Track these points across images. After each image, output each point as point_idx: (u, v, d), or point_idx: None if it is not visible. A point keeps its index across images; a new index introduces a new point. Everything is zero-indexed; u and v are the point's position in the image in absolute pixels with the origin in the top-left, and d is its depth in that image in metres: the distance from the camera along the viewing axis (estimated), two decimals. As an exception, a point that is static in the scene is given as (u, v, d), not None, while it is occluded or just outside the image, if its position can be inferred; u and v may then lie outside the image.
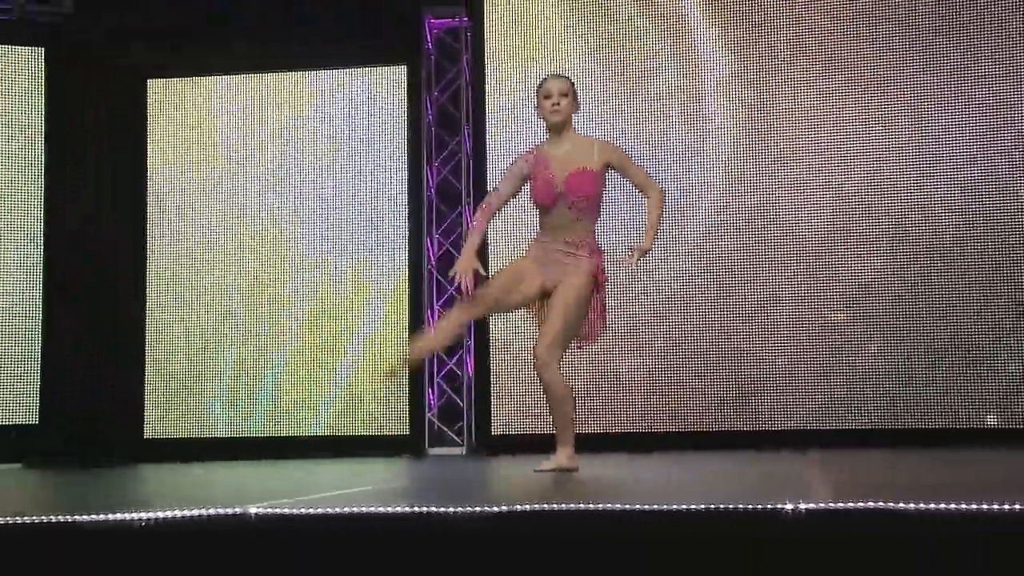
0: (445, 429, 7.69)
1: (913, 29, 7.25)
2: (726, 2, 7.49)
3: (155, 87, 8.15)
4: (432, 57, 7.95)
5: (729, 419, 7.26)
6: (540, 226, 4.88)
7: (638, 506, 2.76)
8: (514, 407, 7.53)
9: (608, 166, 4.80)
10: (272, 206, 7.99)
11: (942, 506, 2.66)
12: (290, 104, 8.03)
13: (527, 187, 4.90)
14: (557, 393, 4.71)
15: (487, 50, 7.76)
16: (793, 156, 7.37)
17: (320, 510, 2.80)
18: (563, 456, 4.76)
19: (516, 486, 4.47)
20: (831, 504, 2.74)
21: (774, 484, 4.07)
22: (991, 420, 6.91)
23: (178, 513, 2.78)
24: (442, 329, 5.05)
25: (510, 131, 7.70)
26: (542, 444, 7.23)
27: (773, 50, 7.41)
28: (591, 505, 2.81)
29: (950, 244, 7.10)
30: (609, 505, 2.78)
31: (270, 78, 8.05)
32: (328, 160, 7.97)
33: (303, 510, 2.80)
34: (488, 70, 7.75)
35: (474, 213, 5.07)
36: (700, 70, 7.51)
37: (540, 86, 4.83)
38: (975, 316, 7.03)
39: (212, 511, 2.82)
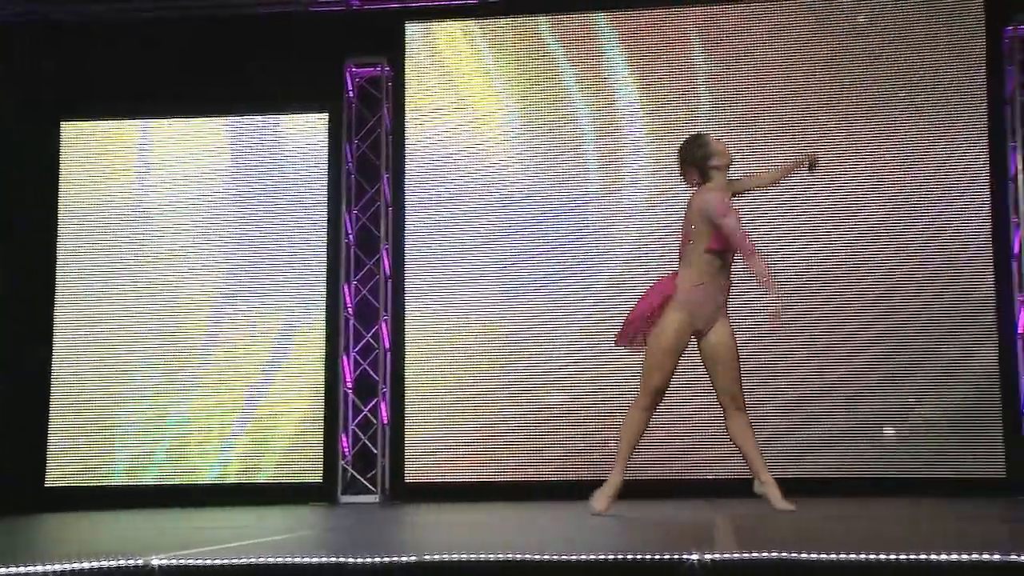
0: (359, 476, 7.63)
1: (837, 89, 7.48)
2: (648, 60, 7.64)
3: (69, 129, 8.04)
4: (353, 105, 7.98)
5: (646, 467, 7.32)
6: (705, 266, 4.97)
7: (547, 556, 2.78)
8: (428, 454, 7.52)
9: None
10: (187, 252, 7.90)
11: (840, 556, 2.73)
12: (209, 149, 7.98)
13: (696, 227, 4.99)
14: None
15: (407, 99, 7.81)
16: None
17: (223, 560, 2.77)
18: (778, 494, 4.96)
19: (427, 535, 4.45)
20: (735, 555, 2.79)
21: (681, 534, 4.11)
22: (888, 431, 7.11)
23: (79, 565, 2.73)
24: (634, 432, 5.05)
25: (428, 179, 7.75)
26: (455, 492, 7.26)
27: (691, 107, 7.57)
28: (498, 556, 2.82)
29: (853, 297, 7.29)
30: (518, 556, 2.79)
31: (191, 122, 8.00)
32: (246, 206, 7.92)
33: (206, 561, 2.76)
34: (408, 119, 7.81)
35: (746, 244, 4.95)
36: (621, 125, 7.64)
37: (708, 144, 5.07)
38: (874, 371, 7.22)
39: (114, 563, 2.77)
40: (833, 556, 2.70)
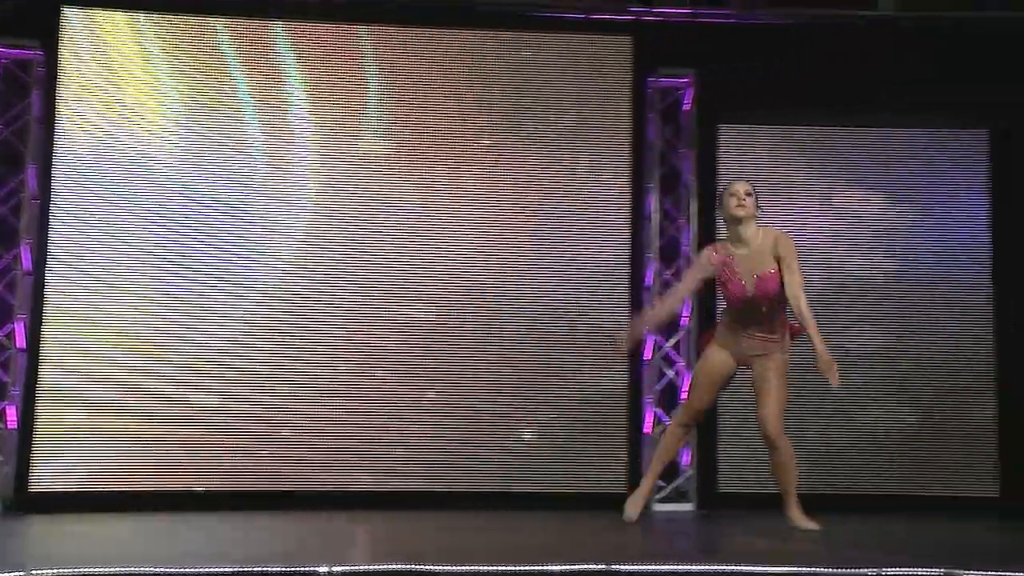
0: (-20, 486, 7.07)
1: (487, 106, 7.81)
2: (323, 73, 7.64)
3: None
4: (-2, 87, 7.44)
5: (278, 478, 7.29)
6: (731, 315, 5.47)
7: (158, 568, 2.72)
8: (59, 462, 7.10)
9: (778, 259, 5.34)
10: None
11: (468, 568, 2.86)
12: None
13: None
14: (789, 456, 5.46)
15: (61, 87, 7.38)
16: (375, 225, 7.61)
17: None
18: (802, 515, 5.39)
19: (51, 546, 4.22)
20: (365, 567, 2.86)
21: (314, 545, 4.14)
22: (527, 436, 7.48)
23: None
24: (668, 451, 5.55)
25: (79, 172, 7.35)
26: (91, 501, 6.89)
27: (360, 122, 7.65)
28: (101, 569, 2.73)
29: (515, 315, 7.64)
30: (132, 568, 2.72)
31: None
32: None
33: None
34: (60, 108, 7.37)
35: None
36: (289, 132, 7.59)
37: (727, 188, 5.52)
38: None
39: None
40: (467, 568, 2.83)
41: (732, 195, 5.63)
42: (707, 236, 7.95)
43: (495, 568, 2.83)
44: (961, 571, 3.08)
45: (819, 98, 7.99)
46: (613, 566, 2.94)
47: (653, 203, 7.91)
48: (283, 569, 2.78)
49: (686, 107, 7.95)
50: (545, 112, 7.82)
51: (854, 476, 7.83)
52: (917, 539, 4.80)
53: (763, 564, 3.03)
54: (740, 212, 5.57)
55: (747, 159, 8.10)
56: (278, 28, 7.64)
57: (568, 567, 2.90)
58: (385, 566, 2.84)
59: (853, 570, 3.04)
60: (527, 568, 2.85)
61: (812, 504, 7.36)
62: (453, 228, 7.66)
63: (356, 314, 7.49)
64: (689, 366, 7.76)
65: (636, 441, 7.66)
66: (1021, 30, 7.76)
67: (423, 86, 7.73)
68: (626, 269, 7.78)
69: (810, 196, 8.11)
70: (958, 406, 7.91)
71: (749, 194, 5.65)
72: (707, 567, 3.04)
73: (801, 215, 8.10)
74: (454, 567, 2.84)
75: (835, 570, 3.04)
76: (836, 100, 7.97)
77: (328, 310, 7.49)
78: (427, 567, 2.83)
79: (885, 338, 7.97)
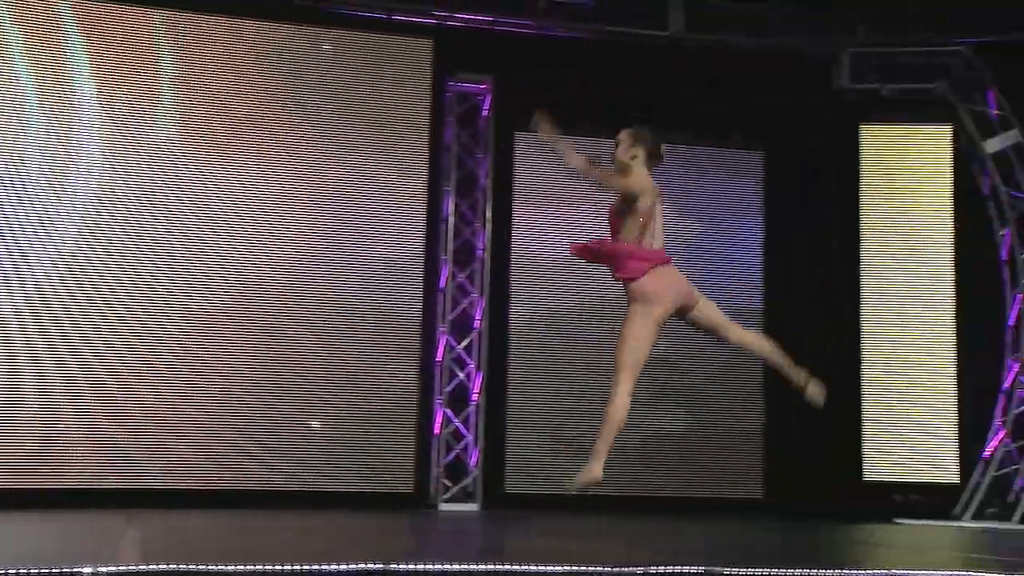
0: None
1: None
2: (112, 53, 7.34)
3: None
4: None
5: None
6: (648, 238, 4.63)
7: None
8: None
9: None
10: None
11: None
12: None
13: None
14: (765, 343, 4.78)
15: None
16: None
17: None
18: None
19: None
20: (131, 567, 2.79)
21: (82, 545, 4.00)
22: (315, 423, 7.39)
23: None
24: (622, 407, 4.65)
25: None
26: None
27: (151, 104, 7.39)
28: None
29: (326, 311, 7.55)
30: None
31: None
32: None
33: None
34: None
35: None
36: (71, 110, 7.24)
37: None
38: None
39: None
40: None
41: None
42: (501, 240, 8.10)
43: (258, 568, 2.81)
44: (721, 568, 3.26)
45: (610, 111, 8.25)
46: (391, 566, 2.97)
47: (449, 206, 7.99)
48: (45, 571, 2.68)
49: (484, 113, 8.06)
50: (344, 109, 7.77)
51: (631, 478, 8.12)
52: (685, 538, 5.03)
53: (541, 564, 3.13)
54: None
55: (542, 167, 8.29)
56: (65, 8, 7.30)
57: (345, 567, 2.91)
58: (151, 567, 2.78)
59: (621, 569, 3.18)
60: (300, 568, 2.85)
61: (591, 504, 7.66)
62: (245, 221, 7.49)
63: (136, 306, 7.21)
64: (479, 368, 7.88)
65: (426, 442, 7.71)
66: (800, 57, 8.23)
67: (219, 75, 7.55)
68: (420, 270, 7.81)
69: (598, 205, 8.36)
70: (728, 412, 8.33)
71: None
72: (486, 567, 3.11)
73: (589, 223, 8.34)
74: (218, 566, 2.81)
75: (606, 569, 3.16)
76: (625, 113, 8.25)
77: (105, 301, 7.18)
78: (192, 567, 2.78)
79: (664, 344, 8.31)
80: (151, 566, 2.77)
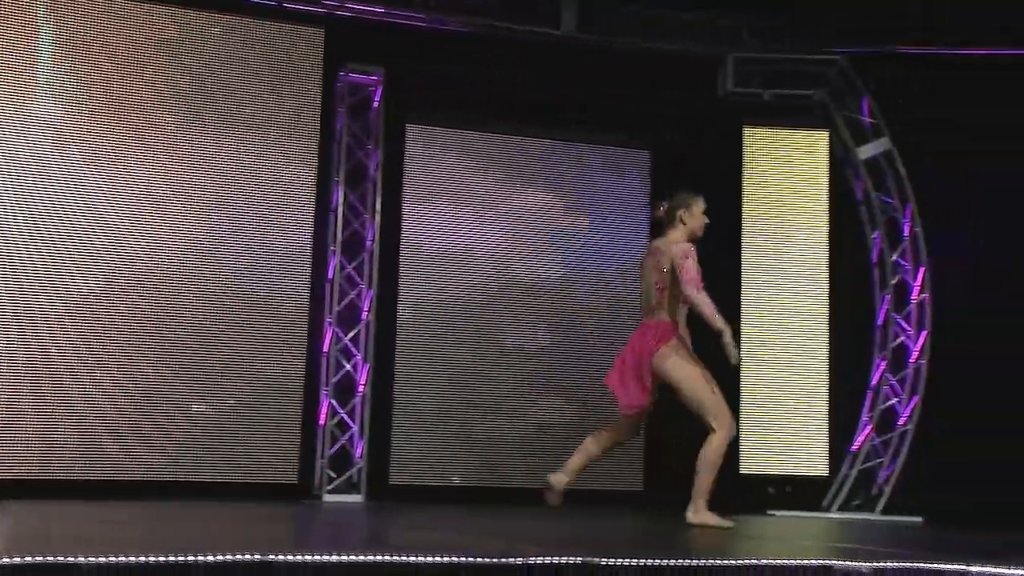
0: None
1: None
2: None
3: None
4: None
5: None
6: (678, 317, 5.42)
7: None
8: None
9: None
10: None
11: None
12: None
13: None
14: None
15: None
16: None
17: None
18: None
19: None
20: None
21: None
22: (199, 406, 7.31)
23: None
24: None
25: None
26: None
27: (33, 85, 7.20)
28: None
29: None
30: None
31: None
32: None
33: None
34: None
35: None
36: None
37: (692, 200, 5.49)
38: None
39: None
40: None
41: (704, 212, 5.56)
42: (391, 232, 8.11)
43: (123, 560, 2.81)
44: (598, 559, 3.35)
45: (502, 107, 8.35)
46: (269, 556, 2.99)
47: (339, 197, 7.97)
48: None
49: (376, 104, 8.06)
50: (233, 96, 7.68)
51: (517, 471, 8.23)
52: (566, 530, 5.13)
53: (422, 555, 3.17)
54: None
55: (432, 160, 8.34)
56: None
57: (221, 558, 2.92)
58: (13, 559, 2.75)
59: (501, 560, 3.24)
60: (171, 559, 2.85)
61: (476, 498, 7.74)
62: (129, 208, 7.36)
63: (15, 292, 7.03)
64: (366, 359, 7.88)
65: (311, 432, 7.69)
66: (687, 61, 8.43)
67: (103, 59, 7.39)
68: (308, 260, 7.78)
69: (487, 200, 8.45)
70: (612, 405, 8.47)
71: None
72: (366, 557, 3.14)
73: (478, 218, 8.42)
74: (76, 558, 2.79)
75: (485, 560, 3.22)
76: (516, 110, 8.37)
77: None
78: (50, 559, 2.76)
79: (548, 336, 8.43)
80: (11, 559, 2.74)
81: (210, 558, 2.84)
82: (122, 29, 7.46)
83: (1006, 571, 3.55)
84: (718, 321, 5.22)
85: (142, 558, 2.80)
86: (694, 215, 5.56)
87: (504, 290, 8.40)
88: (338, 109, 7.99)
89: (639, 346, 5.41)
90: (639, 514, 7.44)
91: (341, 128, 8.00)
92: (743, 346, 8.73)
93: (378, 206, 8.03)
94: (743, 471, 8.51)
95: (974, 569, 3.53)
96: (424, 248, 8.28)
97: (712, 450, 5.38)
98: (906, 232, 8.48)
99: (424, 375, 8.17)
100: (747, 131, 8.80)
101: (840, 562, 3.63)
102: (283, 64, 7.83)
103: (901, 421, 8.34)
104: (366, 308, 7.93)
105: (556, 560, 3.28)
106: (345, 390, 7.88)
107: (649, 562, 3.31)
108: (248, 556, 2.92)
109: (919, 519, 7.77)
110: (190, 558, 2.83)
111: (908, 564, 3.56)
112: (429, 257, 8.28)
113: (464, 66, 8.04)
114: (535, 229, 8.52)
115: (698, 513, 5.38)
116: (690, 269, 5.25)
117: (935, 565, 3.54)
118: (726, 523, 5.41)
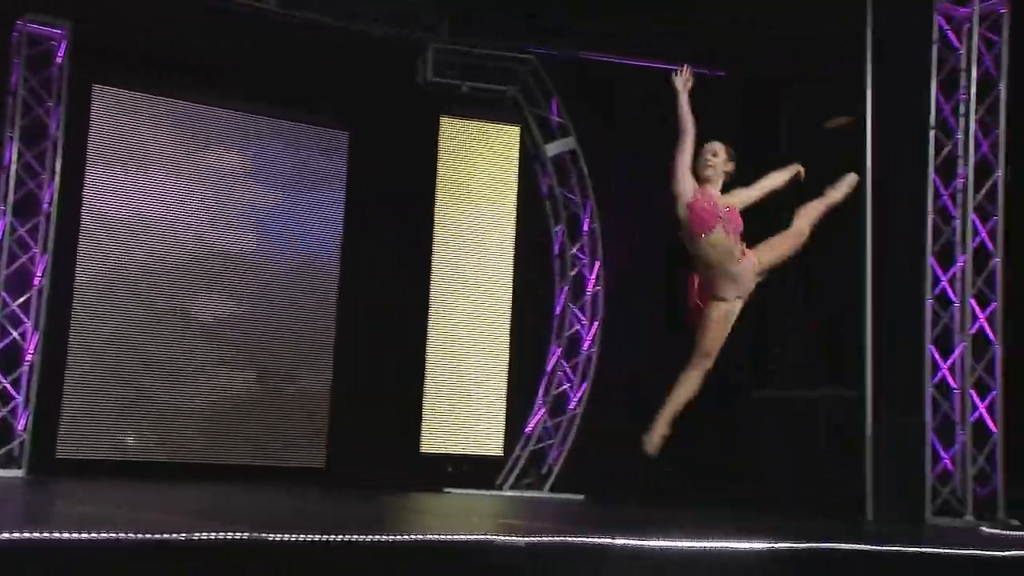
0: None
1: None
2: None
3: None
4: None
5: None
6: None
7: None
8: None
9: None
10: None
11: None
12: None
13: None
14: None
15: None
16: None
17: None
18: None
19: None
20: None
21: None
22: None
23: None
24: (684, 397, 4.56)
25: None
26: None
27: None
28: None
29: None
30: None
31: None
32: None
33: None
34: None
35: None
36: None
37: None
38: None
39: None
40: None
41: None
42: (72, 195, 7.71)
43: None
44: (266, 534, 3.39)
45: (199, 75, 8.13)
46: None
47: (12, 154, 7.48)
48: None
49: (59, 59, 7.61)
50: None
51: (194, 444, 8.07)
52: (238, 506, 5.11)
53: (77, 532, 3.09)
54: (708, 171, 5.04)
55: (121, 123, 8.01)
56: None
57: None
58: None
59: (161, 536, 3.21)
60: None
61: (149, 473, 7.50)
62: None
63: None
64: (36, 327, 7.46)
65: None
66: (389, 46, 8.50)
67: None
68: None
69: (179, 167, 8.21)
70: (296, 378, 8.49)
71: (716, 154, 5.05)
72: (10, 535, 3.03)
73: (168, 186, 8.17)
74: None
75: (146, 536, 3.18)
76: (215, 79, 8.19)
77: None
78: None
79: (237, 309, 8.31)
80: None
81: None
82: None
83: (644, 543, 3.90)
84: None
85: None
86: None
87: (193, 261, 8.20)
88: (14, 60, 7.49)
89: None
90: (324, 491, 7.51)
91: (17, 80, 7.50)
92: (430, 331, 8.98)
93: (58, 167, 7.60)
94: (423, 450, 8.74)
95: (619, 542, 3.84)
96: (109, 214, 7.95)
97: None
98: (585, 227, 8.98)
99: (102, 346, 7.85)
100: (444, 121, 9.02)
101: (500, 537, 3.85)
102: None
103: (571, 405, 8.84)
104: (39, 273, 7.50)
105: (221, 536, 3.29)
106: (11, 359, 7.41)
107: (316, 538, 3.38)
108: None
109: (581, 497, 8.27)
110: None
111: (560, 538, 3.82)
112: (114, 223, 7.97)
113: (160, 30, 7.76)
114: (228, 200, 8.37)
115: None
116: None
117: (584, 539, 3.82)
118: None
